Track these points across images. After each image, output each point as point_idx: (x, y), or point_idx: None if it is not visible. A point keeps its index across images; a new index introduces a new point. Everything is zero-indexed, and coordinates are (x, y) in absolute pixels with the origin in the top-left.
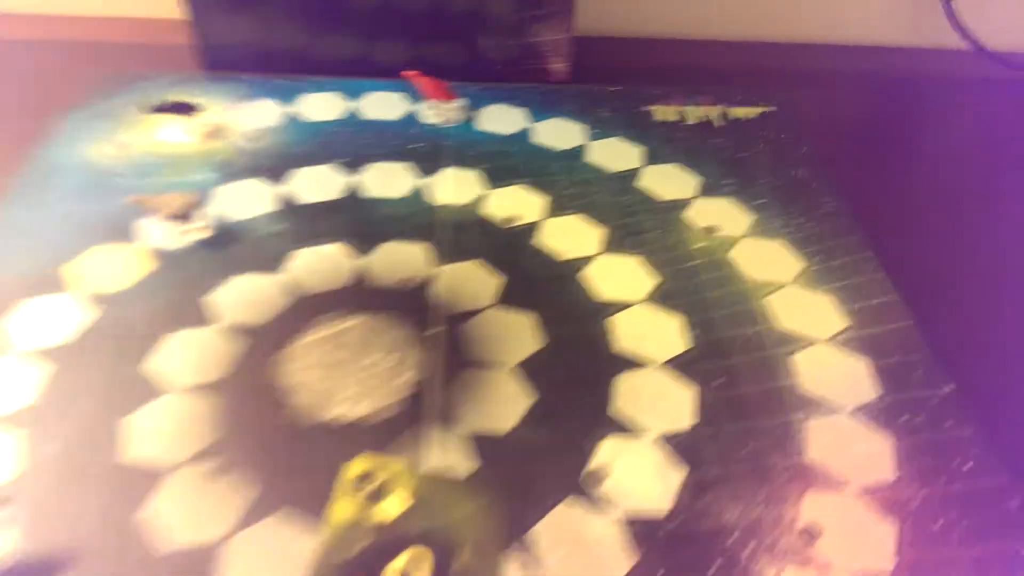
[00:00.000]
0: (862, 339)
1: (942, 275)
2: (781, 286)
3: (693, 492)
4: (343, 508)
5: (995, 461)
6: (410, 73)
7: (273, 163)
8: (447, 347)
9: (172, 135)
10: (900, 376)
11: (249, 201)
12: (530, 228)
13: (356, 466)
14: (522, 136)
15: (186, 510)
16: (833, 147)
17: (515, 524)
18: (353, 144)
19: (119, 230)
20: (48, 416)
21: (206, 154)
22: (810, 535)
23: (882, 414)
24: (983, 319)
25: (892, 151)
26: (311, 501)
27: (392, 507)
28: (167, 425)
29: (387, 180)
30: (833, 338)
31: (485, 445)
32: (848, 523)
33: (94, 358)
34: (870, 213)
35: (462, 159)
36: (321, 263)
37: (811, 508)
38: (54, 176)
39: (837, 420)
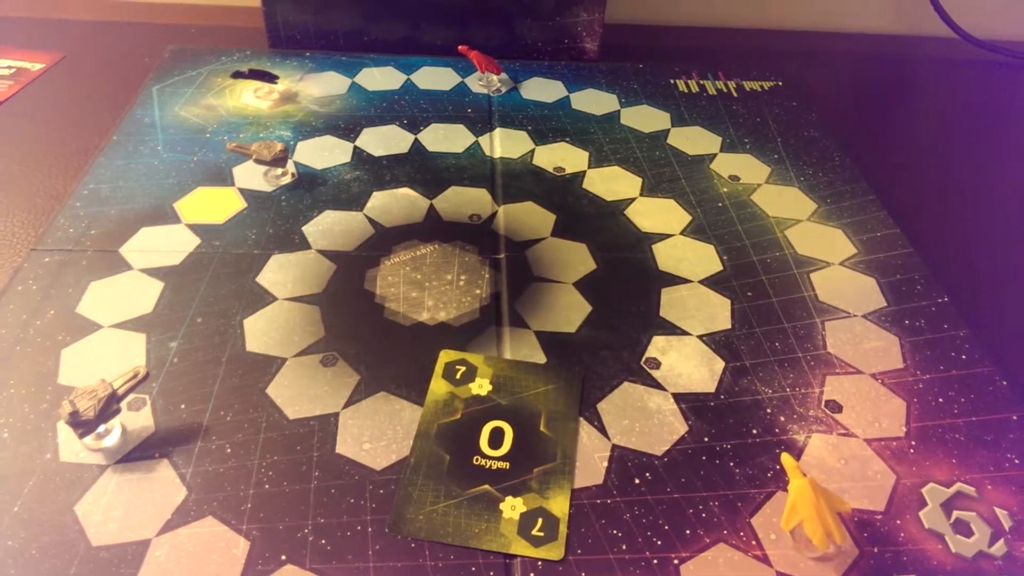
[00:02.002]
0: (869, 263)
1: (935, 214)
2: (798, 221)
3: (733, 376)
4: (438, 387)
5: (985, 354)
6: (464, 48)
7: (344, 124)
8: (513, 268)
9: (250, 100)
10: (903, 291)
11: (326, 153)
12: (576, 176)
13: (445, 356)
14: (563, 103)
15: (302, 390)
16: (833, 115)
17: (584, 400)
18: (412, 108)
19: (220, 174)
20: (171, 318)
21: (283, 115)
22: (833, 409)
23: (889, 319)
24: (971, 247)
25: (885, 118)
26: (405, 387)
27: (478, 388)
28: (279, 325)
29: (446, 137)
30: (844, 262)
31: (554, 342)
32: (864, 400)
33: (209, 274)
34: (870, 166)
35: (511, 121)
36: (396, 202)
37: (832, 388)
38: (152, 132)
39: (851, 323)
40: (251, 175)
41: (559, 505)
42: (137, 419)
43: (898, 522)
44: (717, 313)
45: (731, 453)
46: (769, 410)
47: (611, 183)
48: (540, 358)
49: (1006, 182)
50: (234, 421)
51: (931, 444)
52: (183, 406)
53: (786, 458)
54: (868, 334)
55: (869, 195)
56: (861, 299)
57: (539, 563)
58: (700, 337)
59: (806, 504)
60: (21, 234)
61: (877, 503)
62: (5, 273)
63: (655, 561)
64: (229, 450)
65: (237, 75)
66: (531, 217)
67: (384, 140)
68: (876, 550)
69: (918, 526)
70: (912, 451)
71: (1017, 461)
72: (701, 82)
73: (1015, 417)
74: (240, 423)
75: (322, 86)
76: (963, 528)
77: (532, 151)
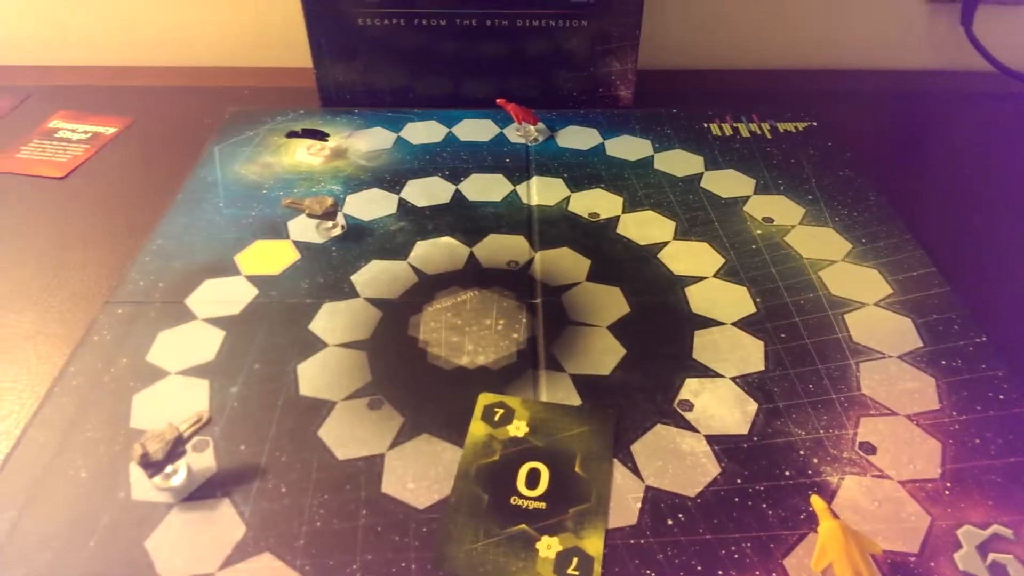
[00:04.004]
0: (904, 303)
1: (971, 252)
2: (832, 262)
3: (766, 418)
4: (477, 429)
5: None
6: (501, 101)
7: (390, 176)
8: (549, 313)
9: (303, 157)
10: (939, 331)
11: (373, 205)
12: (611, 221)
13: (484, 399)
14: (598, 150)
15: (350, 432)
16: (868, 154)
17: (618, 441)
18: (454, 160)
19: (276, 228)
20: (231, 365)
21: (333, 170)
22: (866, 451)
23: (925, 359)
24: (1009, 286)
25: (921, 155)
26: (446, 429)
27: (515, 430)
28: (329, 371)
29: (485, 187)
30: (880, 302)
31: (588, 385)
32: (899, 442)
33: (265, 322)
34: (906, 205)
35: (548, 169)
36: (437, 251)
37: (867, 430)
38: (214, 189)
39: (886, 363)
40: (304, 228)
41: (594, 545)
42: (201, 460)
43: (932, 564)
44: (750, 355)
45: (764, 495)
46: (802, 452)
47: (645, 228)
48: (575, 400)
49: None
50: (288, 462)
51: (967, 486)
52: (242, 447)
53: (816, 500)
54: (903, 375)
55: (905, 234)
56: (896, 340)
57: None
58: (733, 379)
59: (835, 546)
60: (96, 287)
61: (911, 545)
62: (83, 324)
63: None
64: (284, 489)
65: (291, 135)
66: (566, 262)
67: (427, 191)
68: None
69: (952, 568)
70: (947, 493)
71: None
72: (735, 125)
73: None
74: (294, 463)
75: (369, 141)
76: (999, 571)
77: (568, 198)
